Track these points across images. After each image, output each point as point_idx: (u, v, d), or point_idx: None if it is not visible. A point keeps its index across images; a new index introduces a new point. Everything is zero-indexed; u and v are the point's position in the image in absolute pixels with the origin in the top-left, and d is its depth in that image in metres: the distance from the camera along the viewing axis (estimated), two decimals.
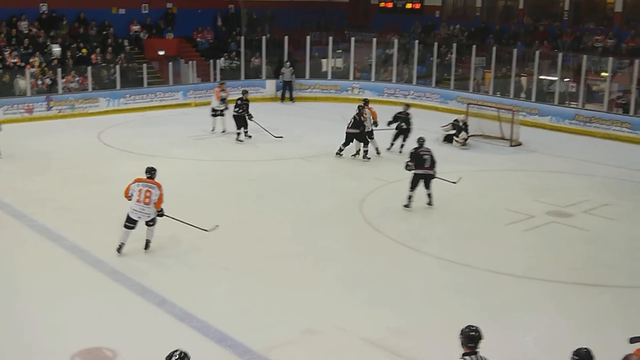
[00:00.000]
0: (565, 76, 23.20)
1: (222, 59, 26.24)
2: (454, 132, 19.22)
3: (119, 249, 10.95)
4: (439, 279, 10.52)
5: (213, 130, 20.03)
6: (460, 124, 19.28)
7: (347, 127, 17.38)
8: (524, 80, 24.28)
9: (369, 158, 17.27)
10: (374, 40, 26.59)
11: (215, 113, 20.03)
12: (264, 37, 26.50)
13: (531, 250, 11.74)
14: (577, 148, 19.54)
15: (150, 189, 10.83)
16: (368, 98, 19.72)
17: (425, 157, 13.55)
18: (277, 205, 13.87)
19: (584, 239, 12.26)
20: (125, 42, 25.73)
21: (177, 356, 5.58)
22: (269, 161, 17.28)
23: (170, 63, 24.96)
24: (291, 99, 25.95)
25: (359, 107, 17.59)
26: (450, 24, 29.30)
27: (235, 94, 21.11)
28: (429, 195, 13.65)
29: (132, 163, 16.83)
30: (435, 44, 25.53)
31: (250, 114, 19.07)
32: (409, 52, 26.85)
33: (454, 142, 19.07)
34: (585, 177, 16.46)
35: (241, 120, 19.05)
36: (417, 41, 26.32)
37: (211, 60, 25.48)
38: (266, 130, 19.04)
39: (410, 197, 13.57)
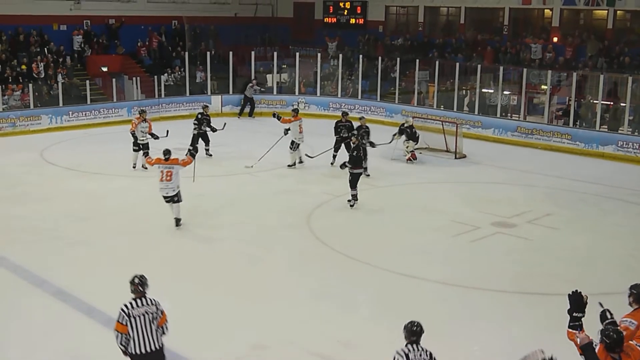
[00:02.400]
0: (507, 89, 23.64)
1: (166, 74, 26.05)
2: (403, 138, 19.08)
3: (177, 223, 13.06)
4: (388, 291, 10.56)
5: (134, 167, 17.53)
6: (406, 125, 19.14)
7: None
8: (466, 93, 24.64)
9: (368, 175, 16.99)
10: (319, 55, 26.74)
11: (139, 147, 17.36)
12: (208, 53, 26.41)
13: (478, 260, 11.88)
14: (519, 159, 19.88)
15: (170, 170, 12.79)
16: (298, 108, 19.35)
17: (362, 157, 15.09)
18: (225, 221, 13.79)
19: (528, 249, 12.46)
20: (68, 59, 25.34)
21: (138, 279, 7.03)
22: (216, 177, 17.15)
23: (114, 79, 24.70)
24: (250, 114, 25.83)
25: (360, 118, 17.83)
26: (393, 39, 29.62)
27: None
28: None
29: (76, 181, 16.63)
30: (380, 58, 25.76)
31: (213, 127, 18.85)
32: (353, 67, 27.08)
33: (404, 150, 18.95)
34: (528, 187, 16.74)
35: (199, 137, 18.75)
36: (361, 55, 26.54)
37: (155, 76, 25.28)
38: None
39: (355, 196, 14.52)
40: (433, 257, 12.02)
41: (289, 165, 18.10)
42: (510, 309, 9.96)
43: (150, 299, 7.02)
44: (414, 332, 6.39)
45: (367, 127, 17.66)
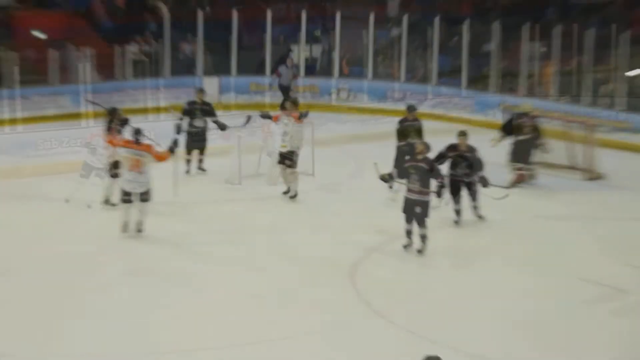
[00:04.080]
0: None
1: (135, 45, 26.15)
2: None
3: (125, 228, 14.46)
4: None
5: (111, 203, 16.38)
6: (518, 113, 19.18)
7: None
8: (605, 78, 24.43)
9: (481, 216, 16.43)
10: (371, 17, 26.63)
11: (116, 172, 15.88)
12: (200, 13, 26.46)
13: (624, 341, 11.49)
14: None
15: (140, 158, 14.14)
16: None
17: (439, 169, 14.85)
18: (224, 274, 13.57)
19: None
20: None
21: None
22: (209, 204, 17.25)
23: (55, 51, 24.79)
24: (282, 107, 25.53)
25: (461, 134, 16.36)
26: None
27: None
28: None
29: None
30: (466, 22, 25.64)
31: (221, 123, 18.83)
32: (425, 36, 26.96)
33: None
34: None
35: (196, 140, 18.77)
36: (437, 18, 26.41)
37: (118, 47, 25.37)
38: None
39: (423, 237, 14.50)
40: (547, 335, 11.57)
41: (289, 196, 17.54)
42: None
43: None
44: None
45: (472, 153, 16.08)
